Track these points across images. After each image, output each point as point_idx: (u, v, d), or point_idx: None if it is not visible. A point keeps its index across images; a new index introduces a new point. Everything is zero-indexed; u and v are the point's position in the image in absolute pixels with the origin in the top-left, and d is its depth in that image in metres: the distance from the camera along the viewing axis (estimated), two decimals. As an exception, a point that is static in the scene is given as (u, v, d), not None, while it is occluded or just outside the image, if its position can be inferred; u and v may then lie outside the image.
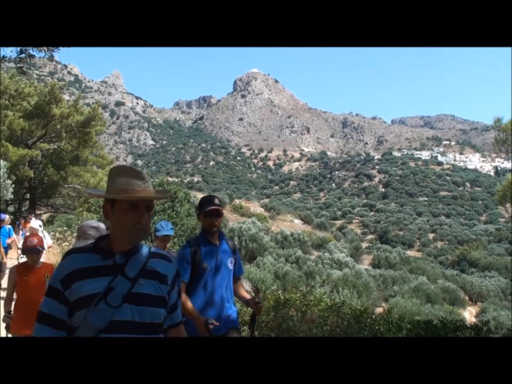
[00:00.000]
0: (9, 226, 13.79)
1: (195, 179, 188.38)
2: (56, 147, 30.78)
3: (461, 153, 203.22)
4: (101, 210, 18.58)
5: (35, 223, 11.73)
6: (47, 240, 11.32)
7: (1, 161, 20.45)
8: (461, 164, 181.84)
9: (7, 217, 13.65)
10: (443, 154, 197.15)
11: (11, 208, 30.72)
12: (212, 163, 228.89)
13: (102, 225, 3.75)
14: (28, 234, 10.60)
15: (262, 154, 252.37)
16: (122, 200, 1.97)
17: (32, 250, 4.80)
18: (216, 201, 3.92)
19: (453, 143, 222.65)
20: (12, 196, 24.36)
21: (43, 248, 4.99)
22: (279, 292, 6.55)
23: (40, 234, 10.70)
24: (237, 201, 62.00)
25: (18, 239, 14.20)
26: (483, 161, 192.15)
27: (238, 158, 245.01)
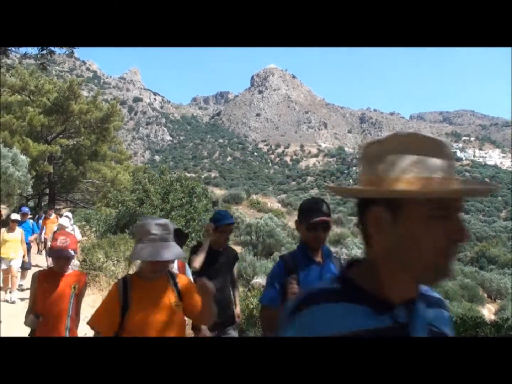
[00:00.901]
0: (33, 221, 13.24)
1: (212, 175, 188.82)
2: (75, 142, 31.09)
3: (480, 149, 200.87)
4: (120, 205, 17.91)
5: (64, 219, 10.87)
6: (76, 235, 10.66)
7: (22, 156, 20.70)
8: (481, 160, 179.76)
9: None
10: (462, 149, 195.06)
11: (31, 203, 31.11)
12: (229, 158, 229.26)
13: (169, 222, 2.80)
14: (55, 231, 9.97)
15: (279, 150, 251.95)
16: (419, 201, 1.04)
17: (61, 252, 3.80)
18: (325, 208, 3.11)
19: (472, 138, 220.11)
20: (32, 191, 24.67)
21: (75, 251, 3.99)
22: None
23: (70, 228, 10.35)
24: (254, 196, 62.06)
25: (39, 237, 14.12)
26: (503, 157, 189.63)
27: (255, 153, 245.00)
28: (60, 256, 3.82)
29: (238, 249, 29.91)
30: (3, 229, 10.27)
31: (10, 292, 9.96)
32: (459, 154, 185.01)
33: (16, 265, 10.15)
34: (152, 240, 2.63)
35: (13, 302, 9.49)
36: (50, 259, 9.84)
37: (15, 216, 10.72)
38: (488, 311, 27.31)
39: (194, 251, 4.53)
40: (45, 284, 3.89)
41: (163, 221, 2.75)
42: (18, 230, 10.46)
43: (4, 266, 10.04)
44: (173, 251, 2.68)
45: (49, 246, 4.14)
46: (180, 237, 3.99)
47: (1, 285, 10.30)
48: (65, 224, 10.26)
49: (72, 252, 3.85)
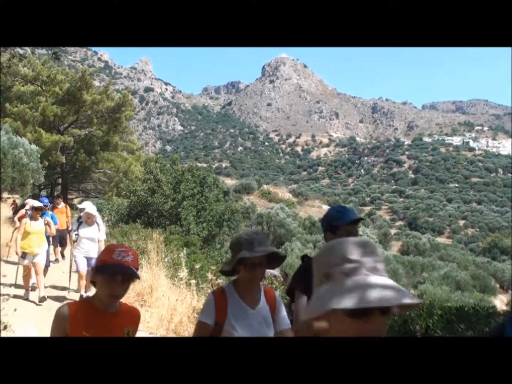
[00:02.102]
0: (51, 212, 11.71)
1: (223, 165, 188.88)
2: (87, 132, 31.21)
3: (494, 139, 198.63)
4: (131, 195, 16.89)
5: (90, 206, 9.28)
6: (102, 234, 9.29)
7: (33, 146, 20.84)
8: (494, 150, 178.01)
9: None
10: (475, 139, 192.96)
11: (43, 193, 31.34)
12: (240, 148, 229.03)
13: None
14: (83, 218, 9.03)
15: (290, 140, 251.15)
16: None
17: (122, 269, 2.46)
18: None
19: (485, 128, 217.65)
20: (44, 181, 24.84)
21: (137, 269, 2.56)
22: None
23: (97, 223, 9.22)
24: (265, 186, 62.07)
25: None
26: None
27: (266, 143, 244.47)
28: (118, 273, 2.43)
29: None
30: (25, 220, 9.06)
31: (29, 290, 8.76)
32: (472, 144, 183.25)
33: (41, 261, 8.93)
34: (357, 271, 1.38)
35: (40, 303, 8.33)
36: (76, 264, 8.84)
37: (39, 204, 9.41)
38: (500, 302, 27.21)
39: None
40: (82, 330, 2.43)
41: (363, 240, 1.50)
42: (41, 220, 9.24)
43: (26, 262, 8.79)
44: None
45: (98, 259, 2.58)
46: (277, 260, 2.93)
47: (36, 286, 8.76)
48: (92, 210, 9.04)
49: (134, 269, 2.50)
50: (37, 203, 9.34)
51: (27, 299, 8.54)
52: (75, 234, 9.02)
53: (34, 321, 6.97)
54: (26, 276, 8.86)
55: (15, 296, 8.25)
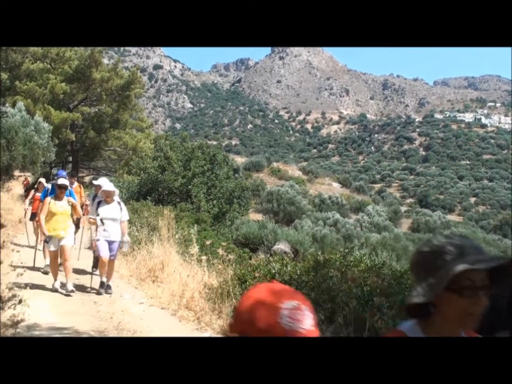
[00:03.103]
0: (70, 188, 9.45)
1: (233, 142, 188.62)
2: (96, 110, 31.24)
3: (506, 115, 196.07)
4: (142, 172, 16.17)
5: (106, 182, 8.64)
6: (124, 213, 8.56)
7: (45, 123, 20.90)
8: (506, 126, 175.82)
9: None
10: (487, 116, 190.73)
11: (54, 171, 31.52)
12: (250, 126, 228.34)
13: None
14: (102, 196, 8.37)
15: (300, 117, 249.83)
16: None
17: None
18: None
19: (498, 104, 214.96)
20: (55, 159, 24.96)
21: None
22: (318, 254, 6.58)
23: (118, 201, 8.50)
24: (275, 164, 61.96)
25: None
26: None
27: (276, 121, 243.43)
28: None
29: (259, 216, 30.07)
30: (49, 199, 8.12)
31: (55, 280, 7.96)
32: (484, 120, 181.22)
33: (69, 244, 8.04)
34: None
35: (69, 294, 7.70)
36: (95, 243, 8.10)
37: (63, 181, 8.34)
38: (510, 279, 27.18)
39: None
40: None
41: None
42: (66, 200, 8.28)
43: (53, 248, 7.88)
44: None
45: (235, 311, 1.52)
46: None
47: (49, 270, 8.51)
48: (110, 187, 8.33)
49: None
50: (61, 181, 8.28)
51: (56, 291, 7.74)
52: (97, 215, 8.20)
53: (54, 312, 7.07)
54: (54, 263, 8.04)
55: (34, 287, 7.39)
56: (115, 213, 8.31)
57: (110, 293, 8.11)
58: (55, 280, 7.90)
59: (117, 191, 8.55)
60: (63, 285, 7.83)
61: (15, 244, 11.21)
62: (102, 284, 8.25)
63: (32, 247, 10.52)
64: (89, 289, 8.36)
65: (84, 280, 8.96)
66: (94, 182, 9.69)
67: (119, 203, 8.48)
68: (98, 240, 8.15)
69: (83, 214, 10.22)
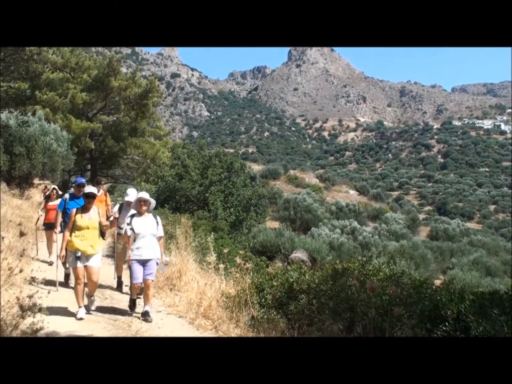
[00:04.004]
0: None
1: (250, 150, 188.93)
2: (115, 119, 31.53)
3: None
4: (159, 180, 15.59)
5: (141, 192, 7.68)
6: (160, 229, 7.49)
7: (64, 132, 21.15)
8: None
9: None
10: (506, 122, 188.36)
11: (73, 179, 31.86)
12: (266, 134, 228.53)
13: None
14: (134, 206, 7.52)
15: (317, 125, 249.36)
16: None
17: None
18: None
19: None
20: (74, 167, 25.24)
21: None
22: (336, 262, 6.54)
23: (153, 214, 7.54)
24: (291, 171, 61.86)
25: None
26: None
27: (293, 128, 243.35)
28: None
29: (276, 224, 30.02)
30: (75, 210, 7.05)
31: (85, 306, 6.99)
32: (503, 127, 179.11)
33: (96, 266, 6.96)
34: None
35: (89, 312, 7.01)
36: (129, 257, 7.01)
37: (91, 189, 7.21)
38: (531, 288, 26.71)
39: None
40: None
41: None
42: (95, 210, 7.14)
43: (79, 264, 6.78)
44: None
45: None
46: None
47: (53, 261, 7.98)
48: (145, 195, 7.43)
49: None
50: (89, 189, 7.17)
51: (81, 319, 6.63)
52: (130, 229, 7.14)
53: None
54: (78, 285, 6.85)
55: (53, 295, 6.83)
56: (151, 227, 7.26)
57: (150, 321, 6.93)
58: (80, 307, 6.78)
59: (153, 202, 7.51)
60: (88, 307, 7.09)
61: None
62: (133, 302, 7.48)
63: (44, 261, 10.45)
64: (129, 313, 7.38)
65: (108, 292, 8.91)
66: (128, 192, 8.97)
67: (154, 215, 7.48)
68: (133, 261, 7.10)
69: (110, 227, 8.60)
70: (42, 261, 10.55)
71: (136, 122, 31.31)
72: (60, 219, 8.78)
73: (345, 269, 5.83)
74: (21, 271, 5.64)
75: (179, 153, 22.19)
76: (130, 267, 7.21)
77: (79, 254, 6.77)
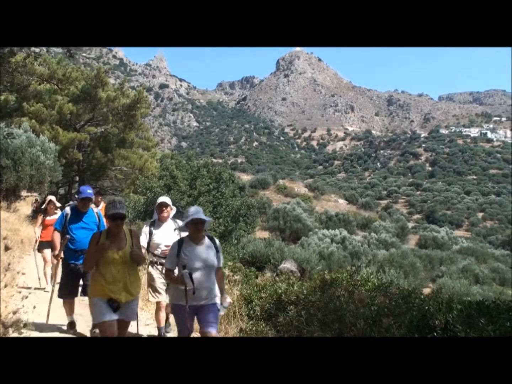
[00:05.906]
0: (97, 210, 7.05)
1: (239, 160, 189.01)
2: (103, 130, 31.40)
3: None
4: (148, 191, 15.42)
5: (195, 209, 4.94)
6: (220, 258, 4.98)
7: (51, 144, 21.03)
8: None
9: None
10: (493, 130, 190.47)
11: (61, 191, 31.64)
12: (255, 143, 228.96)
13: None
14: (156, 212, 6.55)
15: (306, 134, 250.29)
16: None
17: None
18: None
19: (503, 119, 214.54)
20: (61, 178, 25.08)
21: None
22: (325, 272, 6.53)
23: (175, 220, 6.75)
24: (281, 181, 62.00)
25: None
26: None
27: (282, 138, 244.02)
28: None
29: (266, 234, 29.99)
30: (102, 239, 4.86)
31: None
32: (489, 135, 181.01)
33: (134, 318, 5.00)
34: None
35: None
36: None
37: (119, 207, 4.82)
38: (520, 295, 26.86)
39: None
40: None
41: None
42: (124, 239, 4.94)
43: (107, 317, 4.40)
44: None
45: None
46: None
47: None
48: (166, 199, 6.67)
49: None
50: (114, 208, 4.81)
51: None
52: (182, 266, 4.67)
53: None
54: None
55: (40, 309, 6.42)
56: (210, 257, 4.89)
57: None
58: None
59: (173, 208, 6.37)
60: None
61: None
62: (160, 334, 6.66)
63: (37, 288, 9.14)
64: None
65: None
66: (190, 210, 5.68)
67: (211, 238, 5.06)
68: (153, 278, 5.96)
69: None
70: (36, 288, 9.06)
71: (125, 133, 31.18)
72: (58, 239, 6.56)
73: (334, 279, 5.82)
74: (5, 286, 5.55)
75: (167, 164, 22.17)
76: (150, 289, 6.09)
77: (115, 304, 4.56)
